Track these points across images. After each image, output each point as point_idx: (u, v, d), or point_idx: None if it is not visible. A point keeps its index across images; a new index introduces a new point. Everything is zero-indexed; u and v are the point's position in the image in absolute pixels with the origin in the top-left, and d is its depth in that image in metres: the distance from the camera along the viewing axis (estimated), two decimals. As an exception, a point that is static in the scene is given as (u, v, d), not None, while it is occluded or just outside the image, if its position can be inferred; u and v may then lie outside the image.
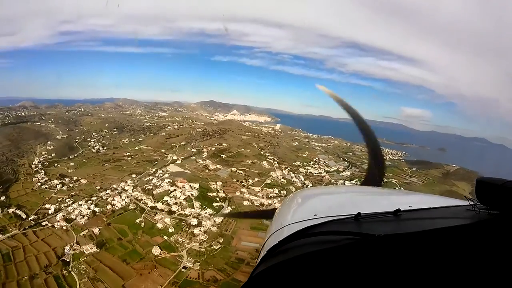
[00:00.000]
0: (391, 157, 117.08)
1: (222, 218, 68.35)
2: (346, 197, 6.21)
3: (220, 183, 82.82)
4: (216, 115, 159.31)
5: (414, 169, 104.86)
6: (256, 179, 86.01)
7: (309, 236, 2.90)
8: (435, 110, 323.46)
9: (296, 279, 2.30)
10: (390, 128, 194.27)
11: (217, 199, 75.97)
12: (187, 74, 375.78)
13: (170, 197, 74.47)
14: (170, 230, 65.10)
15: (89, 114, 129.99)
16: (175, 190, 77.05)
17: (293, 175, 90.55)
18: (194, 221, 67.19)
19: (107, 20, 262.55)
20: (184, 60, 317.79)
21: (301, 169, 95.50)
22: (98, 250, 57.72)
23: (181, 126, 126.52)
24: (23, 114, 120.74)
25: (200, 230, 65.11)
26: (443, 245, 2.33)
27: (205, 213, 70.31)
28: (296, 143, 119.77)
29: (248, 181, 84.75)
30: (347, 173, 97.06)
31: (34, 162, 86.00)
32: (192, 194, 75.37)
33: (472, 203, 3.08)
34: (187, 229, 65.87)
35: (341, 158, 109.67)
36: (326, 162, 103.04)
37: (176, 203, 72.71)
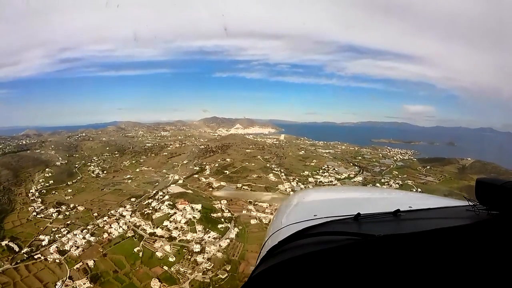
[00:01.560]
0: (401, 157, 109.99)
1: (228, 241, 60.10)
2: (345, 198, 5.67)
3: (225, 201, 74.29)
4: (220, 131, 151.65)
5: (428, 167, 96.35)
6: (264, 193, 77.87)
7: (309, 237, 2.71)
8: (438, 105, 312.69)
9: (296, 279, 2.18)
10: (395, 128, 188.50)
11: (222, 220, 67.19)
12: (189, 92, 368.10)
13: (170, 222, 65.87)
14: (170, 259, 56.72)
15: (91, 139, 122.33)
16: (175, 213, 68.33)
17: (302, 186, 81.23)
18: (196, 248, 58.53)
19: (106, 45, 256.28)
20: (185, 78, 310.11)
21: (310, 179, 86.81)
22: (92, 285, 50.79)
23: (183, 145, 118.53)
24: (24, 142, 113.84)
25: (203, 257, 56.54)
26: (442, 246, 2.23)
27: (209, 237, 61.72)
28: (303, 151, 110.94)
29: (253, 193, 76.81)
30: (359, 178, 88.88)
31: (31, 191, 79.48)
32: (194, 217, 66.50)
33: (471, 203, 2.92)
34: (190, 256, 57.33)
35: (351, 163, 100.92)
36: (336, 169, 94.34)
37: (176, 228, 64.14)
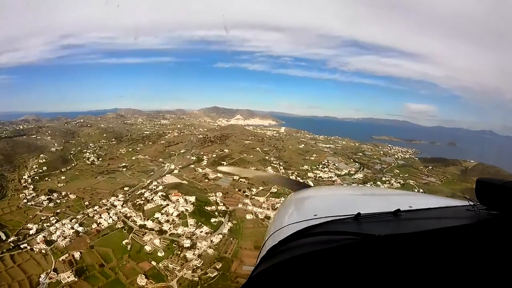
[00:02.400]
0: (402, 155, 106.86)
1: (221, 237, 55.91)
2: (346, 197, 5.44)
3: (221, 194, 70.75)
4: (220, 121, 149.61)
5: (430, 167, 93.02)
6: (261, 187, 73.22)
7: (309, 236, 2.71)
8: (440, 105, 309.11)
9: (296, 279, 2.16)
10: (397, 125, 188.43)
11: (216, 213, 63.05)
12: (190, 82, 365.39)
13: (162, 214, 61.86)
14: (159, 254, 52.64)
15: (88, 125, 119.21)
16: (168, 205, 64.42)
17: (301, 181, 74.73)
18: (187, 243, 54.28)
19: (108, 33, 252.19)
20: (187, 68, 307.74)
21: (309, 174, 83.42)
22: (76, 279, 47.28)
23: (181, 134, 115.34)
24: (21, 127, 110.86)
25: (194, 254, 52.28)
26: (443, 245, 2.21)
27: (201, 232, 57.50)
28: (303, 145, 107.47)
29: (252, 191, 72.35)
30: (360, 175, 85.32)
31: (24, 177, 76.99)
32: (186, 210, 62.54)
33: (472, 203, 2.90)
34: (179, 252, 53.11)
35: (351, 159, 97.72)
36: (336, 165, 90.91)
37: (168, 221, 60.06)
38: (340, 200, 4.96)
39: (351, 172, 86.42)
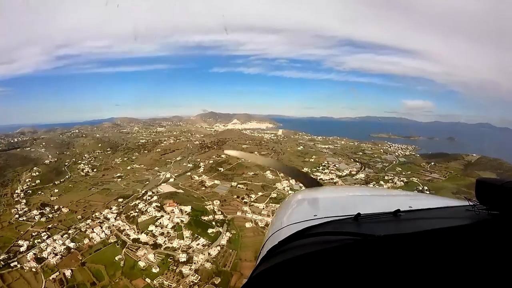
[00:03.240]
0: (402, 152, 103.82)
1: (219, 249, 51.63)
2: (345, 198, 5.34)
3: (218, 201, 66.35)
4: (217, 126, 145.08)
5: (432, 163, 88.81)
6: (260, 193, 69.58)
7: (309, 237, 2.65)
8: (436, 100, 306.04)
9: (296, 280, 2.15)
10: (394, 122, 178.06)
11: (213, 223, 58.70)
12: (186, 88, 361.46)
13: (156, 226, 57.58)
14: (154, 270, 48.41)
15: (84, 136, 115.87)
16: (162, 216, 60.29)
17: (301, 184, 69.93)
18: (183, 257, 49.98)
19: (103, 41, 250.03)
20: (182, 74, 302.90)
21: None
22: None
23: (177, 140, 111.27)
24: (16, 140, 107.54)
25: (190, 269, 47.94)
26: (442, 246, 2.21)
27: (197, 244, 53.16)
28: (301, 147, 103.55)
29: (251, 197, 68.24)
30: (361, 175, 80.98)
31: (16, 191, 73.10)
32: (181, 221, 58.25)
33: (471, 203, 2.88)
34: (175, 267, 48.83)
35: (352, 159, 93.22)
36: (337, 165, 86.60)
37: (162, 234, 55.82)
38: (340, 201, 4.88)
39: (352, 172, 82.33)
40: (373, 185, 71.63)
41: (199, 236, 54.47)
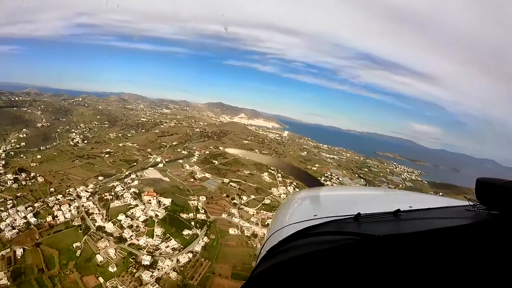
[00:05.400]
0: (408, 176, 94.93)
1: (190, 256, 42.08)
2: (346, 198, 5.11)
3: (204, 198, 57.04)
4: (223, 117, 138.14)
5: (440, 194, 75.90)
6: (253, 196, 60.61)
7: (309, 236, 2.57)
8: (444, 128, 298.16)
9: (296, 279, 2.07)
10: (400, 144, 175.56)
11: (192, 223, 49.28)
12: (199, 75, 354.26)
13: (127, 216, 48.82)
14: (110, 269, 39.81)
15: (86, 105, 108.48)
16: (137, 205, 51.31)
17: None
18: (146, 260, 40.67)
19: (125, 16, 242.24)
20: (197, 61, 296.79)
21: None
22: (9, 283, 38.07)
23: (178, 125, 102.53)
24: (17, 99, 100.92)
25: (151, 276, 38.85)
26: (443, 245, 2.15)
27: (167, 246, 43.77)
28: (305, 153, 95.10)
29: (242, 198, 59.23)
30: None
31: None
32: (156, 215, 48.85)
33: (472, 203, 2.78)
34: (135, 270, 39.79)
35: (356, 175, 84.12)
36: (340, 179, 77.56)
37: (131, 226, 47.01)
38: (340, 200, 4.63)
39: (356, 189, 71.07)
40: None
41: (171, 237, 45.48)
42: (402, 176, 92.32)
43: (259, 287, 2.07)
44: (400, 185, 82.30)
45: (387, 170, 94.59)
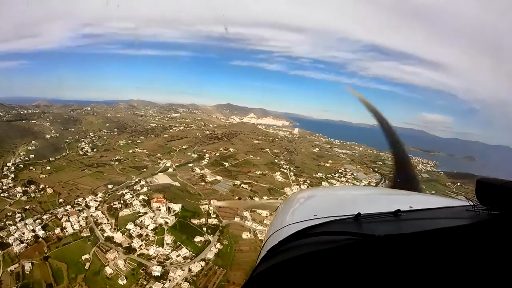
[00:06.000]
0: (423, 167, 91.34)
1: (203, 265, 39.61)
2: (346, 197, 5.05)
3: (216, 202, 54.32)
4: (232, 118, 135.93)
5: (458, 184, 76.00)
6: (265, 197, 57.76)
7: (309, 236, 2.53)
8: (456, 116, 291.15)
9: (296, 279, 2.04)
10: (413, 135, 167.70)
11: (203, 229, 46.81)
12: (206, 77, 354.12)
13: (136, 225, 46.61)
14: (120, 282, 37.56)
15: (95, 114, 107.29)
16: (146, 213, 49.21)
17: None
18: (156, 270, 38.20)
19: (128, 23, 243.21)
20: (204, 63, 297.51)
21: (324, 183, 66.21)
22: None
23: (187, 128, 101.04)
24: (26, 112, 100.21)
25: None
26: (443, 246, 2.13)
27: (178, 255, 41.21)
28: (317, 149, 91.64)
29: (254, 200, 56.52)
30: None
31: (8, 164, 65.99)
32: (166, 222, 46.40)
33: (472, 203, 2.74)
34: (145, 282, 37.44)
35: (371, 169, 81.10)
36: (354, 174, 74.48)
37: (140, 235, 44.70)
38: (340, 200, 4.54)
39: (371, 183, 69.77)
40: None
41: (182, 245, 42.98)
42: (418, 167, 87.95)
43: (259, 287, 2.02)
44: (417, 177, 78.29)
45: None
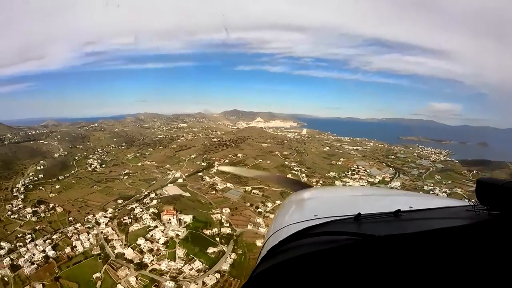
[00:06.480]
0: (437, 157, 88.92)
1: (218, 277, 37.27)
2: (346, 198, 4.86)
3: (228, 210, 52.82)
4: (239, 124, 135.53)
5: (474, 171, 73.17)
6: (278, 201, 54.85)
7: (309, 237, 2.48)
8: (465, 103, 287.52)
9: (296, 279, 2.01)
10: (422, 125, 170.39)
11: (217, 239, 44.77)
12: (211, 85, 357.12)
13: (146, 240, 44.69)
14: None
15: (102, 130, 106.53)
16: (156, 227, 47.30)
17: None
18: (169, 286, 36.28)
19: (130, 39, 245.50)
20: (208, 72, 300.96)
21: (337, 182, 64.16)
22: None
23: (195, 137, 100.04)
24: (34, 132, 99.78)
25: None
26: (443, 246, 2.11)
27: (191, 269, 38.99)
28: (327, 148, 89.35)
29: (266, 206, 54.59)
30: (397, 183, 66.21)
31: (17, 185, 65.65)
32: (177, 235, 44.46)
33: (472, 203, 2.70)
34: None
35: (384, 164, 78.50)
36: (368, 170, 72.03)
37: (151, 250, 42.78)
38: (340, 201, 4.42)
39: (386, 179, 67.91)
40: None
41: (195, 258, 40.85)
42: (431, 158, 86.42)
43: (259, 287, 1.98)
44: (431, 168, 76.24)
45: (414, 154, 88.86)
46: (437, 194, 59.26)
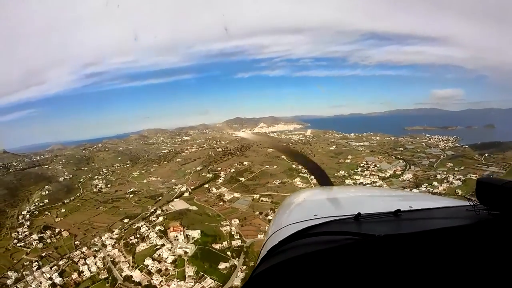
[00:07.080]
0: (446, 144, 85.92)
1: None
2: (346, 198, 4.72)
3: (237, 221, 50.71)
4: (243, 131, 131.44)
5: (486, 155, 70.35)
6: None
7: (309, 236, 2.48)
8: (467, 87, 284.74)
9: (296, 279, 2.01)
10: (425, 114, 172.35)
11: (228, 253, 42.33)
12: (212, 95, 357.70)
13: (154, 260, 42.52)
14: None
15: (106, 149, 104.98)
16: (163, 245, 45.15)
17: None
18: None
19: (128, 57, 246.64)
20: (208, 82, 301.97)
21: (347, 181, 61.61)
22: None
23: (200, 149, 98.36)
24: (38, 158, 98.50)
25: None
26: (443, 246, 2.09)
27: (202, 287, 36.66)
28: (334, 146, 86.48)
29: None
30: (409, 175, 63.11)
31: (23, 212, 64.87)
32: (185, 252, 42.09)
33: (472, 203, 2.66)
34: None
35: (393, 157, 75.34)
36: (378, 165, 69.13)
37: (159, 271, 40.49)
38: (340, 200, 4.30)
39: (397, 172, 64.86)
40: (426, 187, 56.18)
41: (205, 275, 38.27)
42: (440, 146, 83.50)
43: (259, 287, 1.98)
44: (442, 156, 73.42)
45: (422, 144, 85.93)
46: (452, 182, 57.26)
